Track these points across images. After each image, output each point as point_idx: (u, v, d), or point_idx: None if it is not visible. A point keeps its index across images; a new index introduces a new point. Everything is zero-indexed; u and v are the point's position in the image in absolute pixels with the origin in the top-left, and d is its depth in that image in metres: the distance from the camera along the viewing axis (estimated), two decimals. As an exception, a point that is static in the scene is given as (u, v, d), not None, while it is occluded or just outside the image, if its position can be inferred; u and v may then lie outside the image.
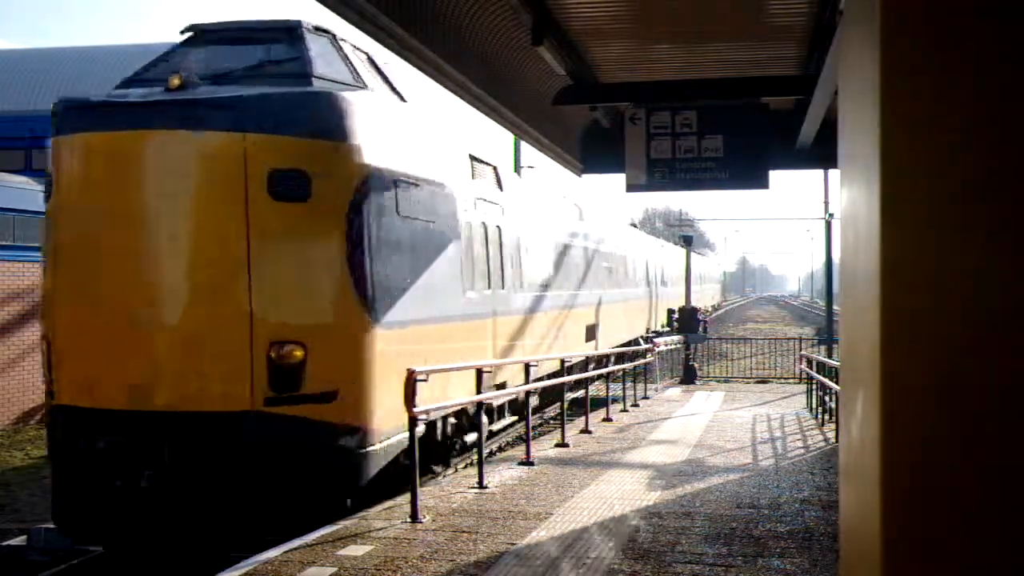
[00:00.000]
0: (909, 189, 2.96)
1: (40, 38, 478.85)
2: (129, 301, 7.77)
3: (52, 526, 8.53)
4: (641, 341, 24.17)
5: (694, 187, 11.83)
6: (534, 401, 13.72)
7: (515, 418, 13.78)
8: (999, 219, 2.89)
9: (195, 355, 7.72)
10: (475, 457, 9.74)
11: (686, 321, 22.82)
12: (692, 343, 22.94)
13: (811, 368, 16.57)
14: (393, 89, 9.77)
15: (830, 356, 19.57)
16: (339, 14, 6.43)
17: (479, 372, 9.20)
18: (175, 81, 7.90)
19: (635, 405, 17.08)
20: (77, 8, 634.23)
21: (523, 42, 8.67)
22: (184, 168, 7.71)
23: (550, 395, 16.21)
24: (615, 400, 16.55)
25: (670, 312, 27.50)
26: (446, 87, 8.52)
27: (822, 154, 12.09)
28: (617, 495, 8.63)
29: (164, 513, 7.52)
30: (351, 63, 9.04)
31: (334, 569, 6.14)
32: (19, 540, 9.45)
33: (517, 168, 27.73)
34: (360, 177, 8.13)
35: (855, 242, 3.49)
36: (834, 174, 23.48)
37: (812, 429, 13.96)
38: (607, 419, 14.66)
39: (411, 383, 7.48)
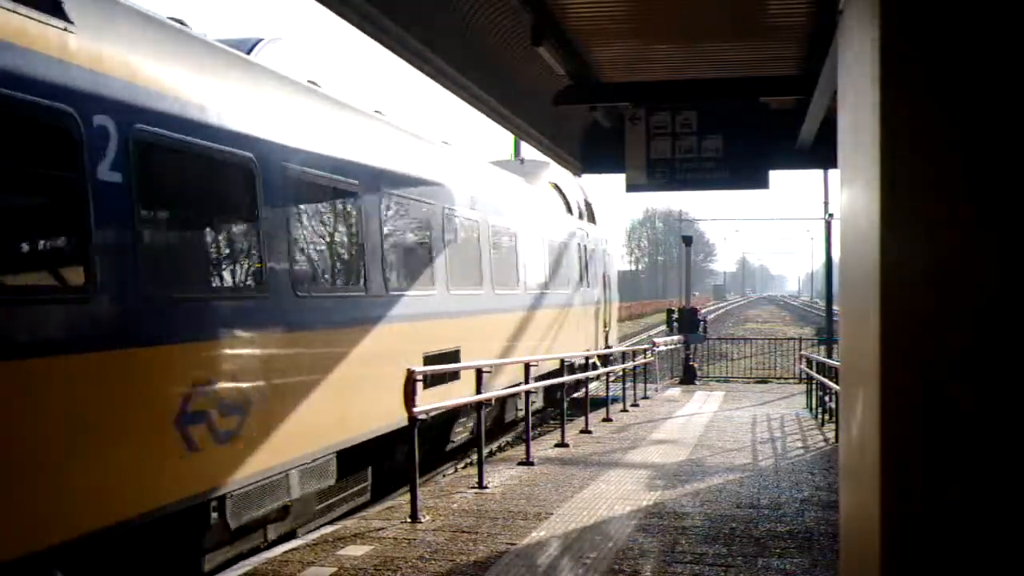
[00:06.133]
0: (909, 189, 2.96)
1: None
2: None
3: None
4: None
5: (694, 187, 11.82)
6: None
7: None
8: (998, 219, 2.89)
9: None
10: (475, 456, 9.74)
11: (686, 321, 22.80)
12: (692, 343, 22.92)
13: (811, 368, 16.57)
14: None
15: (830, 356, 19.57)
16: (340, 15, 6.43)
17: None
18: None
19: (635, 405, 17.08)
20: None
21: (523, 42, 8.66)
22: None
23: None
24: (615, 400, 16.56)
25: (669, 313, 27.20)
26: (446, 87, 8.51)
27: (822, 154, 12.07)
28: (617, 495, 8.62)
29: None
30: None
31: (334, 569, 6.14)
32: None
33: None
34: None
35: (855, 242, 3.49)
36: (834, 174, 23.48)
37: (812, 429, 13.96)
38: (607, 419, 14.66)
39: (411, 383, 7.48)
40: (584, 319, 19.19)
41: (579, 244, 18.98)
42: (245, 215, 7.03)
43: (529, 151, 17.99)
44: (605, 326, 21.34)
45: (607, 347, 20.86)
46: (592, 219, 21.11)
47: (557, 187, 18.56)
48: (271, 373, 7.03)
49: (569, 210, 18.83)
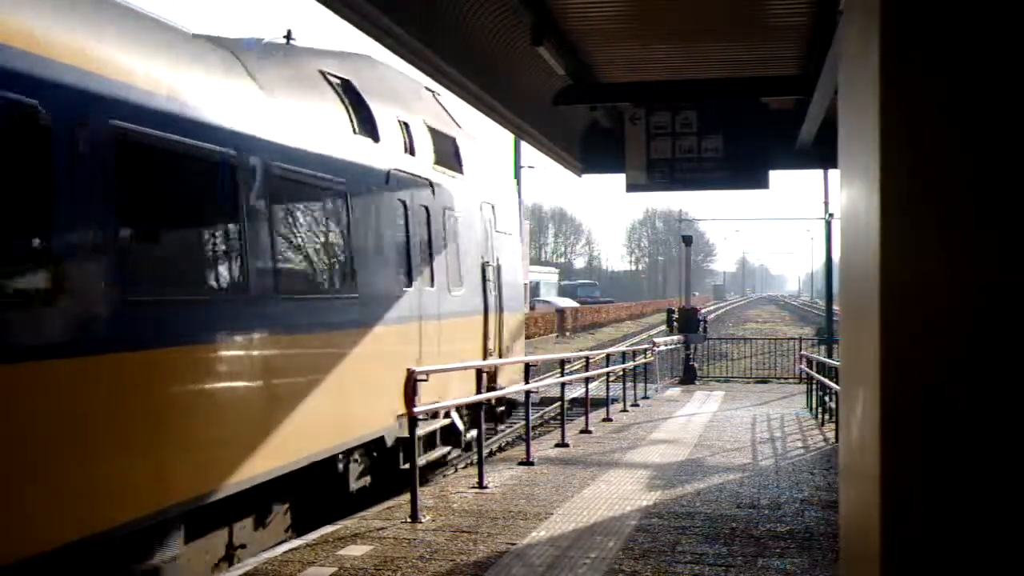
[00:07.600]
0: (909, 189, 2.96)
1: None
2: None
3: None
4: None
5: (694, 187, 11.84)
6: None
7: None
8: (998, 219, 2.89)
9: None
10: (475, 456, 9.74)
11: (686, 321, 22.81)
12: (692, 343, 22.93)
13: (811, 368, 16.57)
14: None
15: (830, 356, 19.57)
16: (340, 15, 6.43)
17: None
18: None
19: (635, 405, 17.08)
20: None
21: (523, 42, 8.67)
22: None
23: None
24: (615, 400, 16.56)
25: (669, 313, 27.02)
26: (445, 86, 8.52)
27: (822, 154, 12.09)
28: (617, 495, 8.63)
29: None
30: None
31: (334, 569, 6.14)
32: None
33: (517, 172, 27.53)
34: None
35: (855, 242, 3.49)
36: (834, 174, 23.45)
37: (812, 429, 13.96)
38: (607, 419, 14.67)
39: (411, 383, 7.48)
40: (425, 346, 10.37)
41: (405, 203, 10.03)
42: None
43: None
44: (488, 353, 12.58)
45: (492, 387, 12.07)
46: (454, 164, 11.72)
47: (345, 87, 9.31)
48: None
49: (371, 134, 9.43)
